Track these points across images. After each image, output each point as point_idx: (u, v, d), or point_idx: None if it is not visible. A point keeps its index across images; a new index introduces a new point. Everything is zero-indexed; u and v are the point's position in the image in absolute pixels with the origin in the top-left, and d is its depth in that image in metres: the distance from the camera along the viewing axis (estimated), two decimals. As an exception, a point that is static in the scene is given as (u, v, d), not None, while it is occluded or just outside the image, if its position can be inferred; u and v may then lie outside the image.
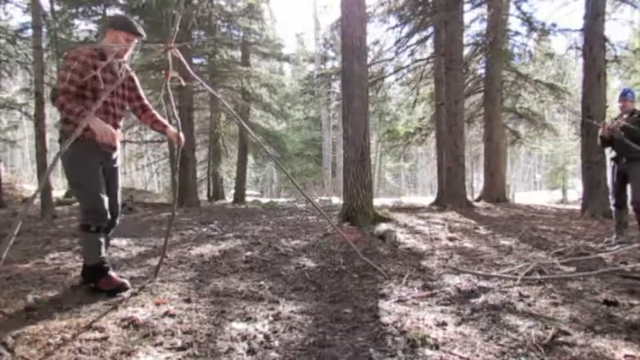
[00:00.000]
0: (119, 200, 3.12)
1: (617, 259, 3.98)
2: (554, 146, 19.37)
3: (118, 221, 3.11)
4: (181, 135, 3.09)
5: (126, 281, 3.00)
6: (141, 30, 3.00)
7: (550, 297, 2.83)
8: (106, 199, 2.86)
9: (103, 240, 2.94)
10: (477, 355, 1.96)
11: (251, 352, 2.01)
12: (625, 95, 4.88)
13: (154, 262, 3.84)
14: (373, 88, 12.50)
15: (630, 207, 4.83)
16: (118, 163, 3.08)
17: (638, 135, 4.56)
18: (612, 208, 5.01)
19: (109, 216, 2.90)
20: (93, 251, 2.89)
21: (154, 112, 3.26)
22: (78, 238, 2.67)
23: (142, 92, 3.19)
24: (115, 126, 2.92)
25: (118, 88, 2.95)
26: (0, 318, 2.39)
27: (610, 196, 5.10)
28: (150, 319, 2.37)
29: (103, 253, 2.94)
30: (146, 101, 3.21)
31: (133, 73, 3.07)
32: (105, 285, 2.89)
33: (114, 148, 2.94)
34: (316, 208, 3.59)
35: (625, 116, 4.82)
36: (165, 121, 3.21)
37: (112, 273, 2.98)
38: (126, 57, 3.02)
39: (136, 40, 3.00)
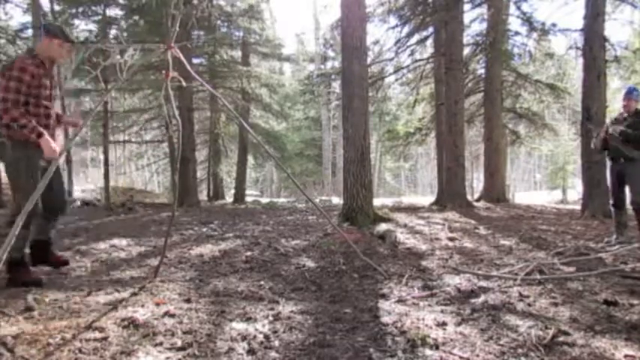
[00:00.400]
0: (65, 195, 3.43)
1: (617, 259, 3.98)
2: (554, 146, 19.36)
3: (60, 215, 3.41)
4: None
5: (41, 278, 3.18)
6: (72, 36, 3.26)
7: (550, 297, 2.83)
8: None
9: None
10: (477, 355, 1.96)
11: (251, 352, 2.01)
12: (630, 94, 4.79)
13: (154, 262, 3.84)
14: (373, 88, 12.50)
15: (630, 207, 4.82)
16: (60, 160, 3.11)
17: (637, 139, 4.54)
18: (611, 208, 5.01)
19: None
20: (17, 244, 2.81)
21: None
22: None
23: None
24: (50, 127, 3.14)
25: (50, 90, 3.15)
26: (0, 318, 2.39)
27: (609, 196, 5.09)
28: (150, 319, 2.37)
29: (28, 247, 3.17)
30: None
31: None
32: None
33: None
34: (316, 208, 3.59)
35: (625, 115, 4.80)
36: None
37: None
38: (61, 61, 3.33)
39: (67, 45, 3.22)
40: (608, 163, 5.16)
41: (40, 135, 2.89)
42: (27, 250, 3.14)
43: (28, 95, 2.96)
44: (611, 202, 4.99)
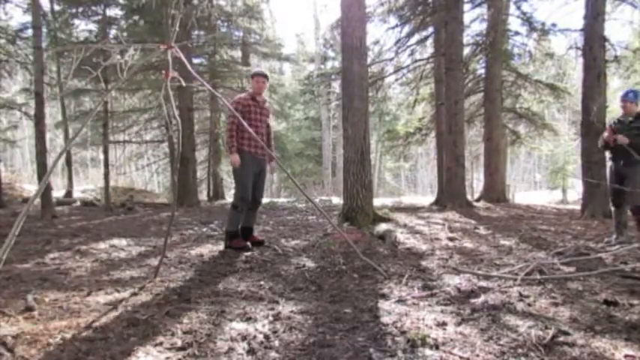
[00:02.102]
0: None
1: (617, 259, 3.98)
2: (554, 146, 19.35)
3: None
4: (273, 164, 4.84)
5: (248, 244, 4.53)
6: (263, 71, 4.76)
7: (550, 297, 2.83)
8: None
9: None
10: (477, 355, 1.96)
11: (251, 352, 2.01)
12: (626, 97, 4.77)
13: (154, 262, 3.84)
14: (373, 88, 12.50)
15: (629, 211, 4.82)
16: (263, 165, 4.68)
17: None
18: (611, 208, 5.00)
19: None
20: (233, 222, 4.52)
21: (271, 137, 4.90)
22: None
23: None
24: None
25: (260, 115, 4.60)
26: (0, 318, 2.39)
27: (609, 197, 5.08)
28: (150, 319, 2.37)
29: (239, 225, 4.60)
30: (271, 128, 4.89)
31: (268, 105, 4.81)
32: (235, 244, 4.50)
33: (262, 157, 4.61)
34: (316, 208, 3.60)
35: (630, 119, 4.75)
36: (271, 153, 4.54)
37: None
38: (263, 93, 4.64)
39: (263, 79, 4.63)
40: (608, 163, 5.14)
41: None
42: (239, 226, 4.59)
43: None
44: (611, 201, 4.99)
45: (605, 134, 4.85)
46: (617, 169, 4.83)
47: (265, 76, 4.67)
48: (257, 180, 4.62)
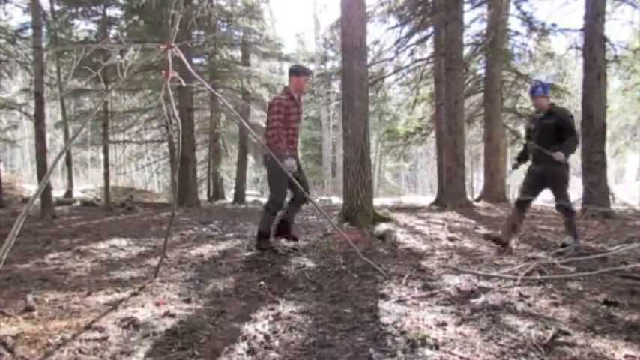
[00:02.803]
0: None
1: (617, 259, 3.98)
2: (554, 146, 19.32)
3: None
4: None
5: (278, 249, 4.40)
6: (308, 68, 4.59)
7: (550, 297, 2.83)
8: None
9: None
10: (477, 355, 1.96)
11: (251, 352, 2.01)
12: (535, 92, 4.45)
13: (154, 262, 3.84)
14: (373, 88, 12.49)
15: (556, 210, 4.63)
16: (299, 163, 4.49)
17: (573, 149, 4.33)
18: (513, 205, 4.74)
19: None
20: (265, 223, 4.34)
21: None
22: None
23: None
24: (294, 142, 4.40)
25: (297, 115, 4.35)
26: (0, 318, 2.39)
27: (516, 194, 4.79)
28: (150, 319, 2.37)
29: (270, 227, 4.44)
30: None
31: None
32: (262, 244, 4.38)
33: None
34: (316, 208, 3.60)
35: (542, 114, 4.46)
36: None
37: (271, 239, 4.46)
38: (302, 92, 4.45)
39: (308, 77, 4.50)
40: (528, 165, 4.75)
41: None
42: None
43: (282, 122, 4.19)
44: (515, 198, 4.72)
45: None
46: (538, 170, 4.50)
47: (310, 74, 4.40)
48: (300, 178, 4.32)
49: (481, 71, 13.55)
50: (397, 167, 33.14)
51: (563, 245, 4.45)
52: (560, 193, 4.43)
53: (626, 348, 2.02)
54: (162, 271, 3.55)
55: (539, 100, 4.46)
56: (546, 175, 4.43)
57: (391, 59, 12.92)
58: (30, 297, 2.70)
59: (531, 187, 4.59)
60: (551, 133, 4.35)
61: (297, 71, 4.33)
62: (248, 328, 2.30)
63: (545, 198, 6.22)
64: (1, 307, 2.55)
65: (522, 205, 4.69)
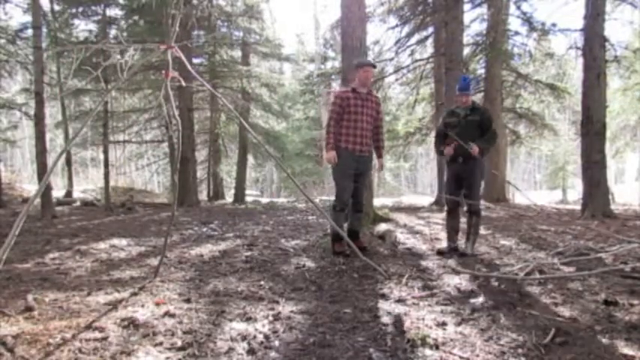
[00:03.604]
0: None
1: (617, 259, 3.98)
2: (554, 146, 19.37)
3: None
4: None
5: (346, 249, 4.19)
6: (370, 61, 4.57)
7: (550, 297, 2.83)
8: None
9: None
10: (477, 355, 1.96)
11: (251, 352, 2.01)
12: (467, 90, 4.22)
13: (154, 262, 3.84)
14: (373, 88, 12.48)
15: (464, 208, 4.42)
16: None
17: (493, 143, 4.26)
18: (445, 213, 4.52)
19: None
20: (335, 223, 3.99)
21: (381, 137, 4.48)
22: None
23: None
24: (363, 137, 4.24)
25: (362, 108, 4.20)
26: (0, 318, 2.39)
27: (445, 200, 4.51)
28: (150, 319, 2.37)
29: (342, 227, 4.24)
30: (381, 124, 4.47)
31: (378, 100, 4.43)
32: (336, 248, 4.25)
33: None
34: (317, 208, 3.59)
35: (467, 112, 4.25)
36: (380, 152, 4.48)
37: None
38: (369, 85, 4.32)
39: (371, 68, 4.28)
40: (445, 164, 4.55)
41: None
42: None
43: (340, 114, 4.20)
44: (446, 207, 4.50)
45: (447, 150, 4.27)
46: (455, 168, 4.30)
47: (373, 66, 4.32)
48: (357, 180, 4.24)
49: (481, 71, 13.56)
50: (397, 167, 33.12)
51: (463, 254, 4.22)
52: (475, 193, 4.28)
53: (626, 348, 2.02)
54: (162, 271, 3.55)
55: (469, 97, 4.26)
56: (462, 173, 4.25)
57: (391, 59, 12.93)
58: (30, 297, 2.70)
59: (455, 188, 4.35)
60: (475, 129, 4.21)
61: (358, 64, 4.28)
62: (248, 328, 2.30)
63: (545, 198, 6.21)
64: (1, 307, 2.55)
65: (455, 208, 4.45)
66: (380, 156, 4.44)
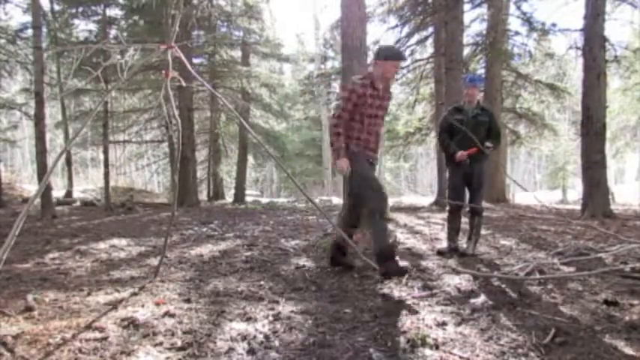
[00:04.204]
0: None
1: (617, 259, 3.98)
2: (554, 146, 19.37)
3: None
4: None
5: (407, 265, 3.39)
6: (402, 53, 3.60)
7: (550, 297, 2.83)
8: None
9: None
10: (477, 355, 1.96)
11: (251, 352, 2.01)
12: (473, 81, 4.18)
13: (154, 262, 3.84)
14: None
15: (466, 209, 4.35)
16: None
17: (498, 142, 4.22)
18: (448, 213, 4.43)
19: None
20: (382, 234, 3.21)
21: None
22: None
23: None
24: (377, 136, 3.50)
25: (377, 109, 3.43)
26: (0, 318, 2.39)
27: (448, 200, 4.41)
28: (150, 319, 2.37)
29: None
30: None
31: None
32: (392, 268, 3.15)
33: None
34: (317, 208, 3.59)
35: (477, 111, 4.20)
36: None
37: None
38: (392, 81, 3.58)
39: (399, 64, 3.52)
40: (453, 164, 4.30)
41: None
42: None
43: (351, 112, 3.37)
44: (448, 207, 4.41)
45: (461, 155, 4.09)
46: (464, 171, 4.18)
47: (404, 59, 3.61)
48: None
49: (481, 71, 13.57)
50: (397, 167, 33.13)
51: (463, 254, 4.19)
52: (481, 194, 4.27)
53: (626, 348, 2.02)
54: (162, 271, 3.55)
55: (476, 91, 4.15)
56: (471, 174, 4.18)
57: (391, 59, 12.90)
58: (30, 297, 2.70)
59: (462, 190, 4.29)
60: (484, 130, 4.17)
61: (386, 55, 3.34)
62: (248, 328, 2.30)
63: (545, 198, 6.21)
64: (1, 307, 2.55)
65: (456, 210, 4.38)
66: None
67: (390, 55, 3.34)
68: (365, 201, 3.33)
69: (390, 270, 3.10)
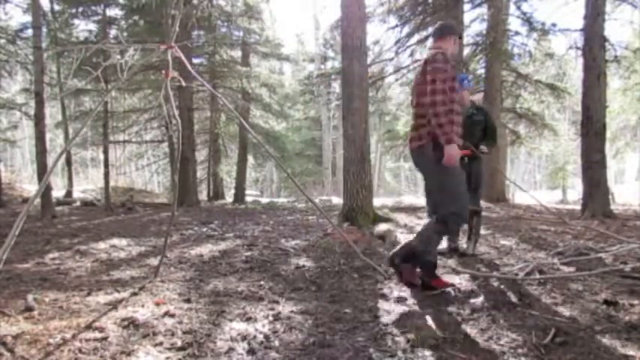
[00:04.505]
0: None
1: (617, 259, 3.98)
2: (554, 146, 19.37)
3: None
4: None
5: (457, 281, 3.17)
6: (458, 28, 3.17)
7: (550, 297, 2.83)
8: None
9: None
10: (477, 355, 1.96)
11: (251, 352, 2.01)
12: (462, 82, 3.90)
13: (154, 262, 3.84)
14: (373, 88, 12.51)
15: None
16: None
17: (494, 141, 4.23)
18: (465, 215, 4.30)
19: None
20: (433, 246, 2.98)
21: None
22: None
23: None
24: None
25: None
26: (0, 318, 2.39)
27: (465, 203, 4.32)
28: (150, 319, 2.37)
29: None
30: None
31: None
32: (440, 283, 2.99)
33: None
34: (317, 208, 3.59)
35: (473, 111, 4.22)
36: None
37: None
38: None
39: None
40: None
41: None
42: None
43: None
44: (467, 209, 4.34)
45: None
46: (466, 170, 3.84)
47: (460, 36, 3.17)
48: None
49: (481, 71, 13.57)
50: (397, 167, 33.16)
51: (463, 254, 4.18)
52: (480, 193, 4.26)
53: (626, 348, 2.02)
54: (162, 271, 3.55)
55: (465, 93, 4.00)
56: (469, 173, 3.99)
57: (391, 59, 12.94)
58: (30, 297, 2.70)
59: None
60: (480, 129, 4.19)
61: (452, 30, 3.02)
62: (248, 328, 2.30)
63: (545, 198, 6.21)
64: (1, 307, 2.55)
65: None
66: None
67: (456, 31, 3.03)
68: (447, 204, 2.88)
69: (436, 282, 2.95)
